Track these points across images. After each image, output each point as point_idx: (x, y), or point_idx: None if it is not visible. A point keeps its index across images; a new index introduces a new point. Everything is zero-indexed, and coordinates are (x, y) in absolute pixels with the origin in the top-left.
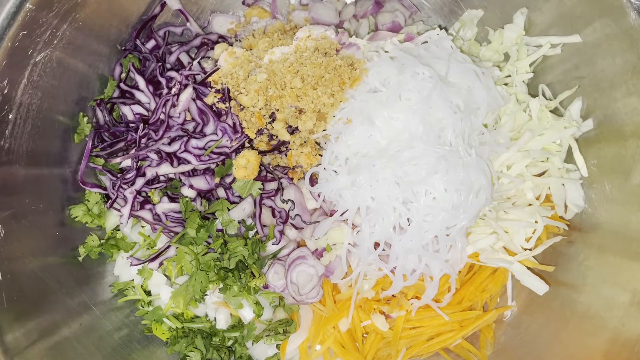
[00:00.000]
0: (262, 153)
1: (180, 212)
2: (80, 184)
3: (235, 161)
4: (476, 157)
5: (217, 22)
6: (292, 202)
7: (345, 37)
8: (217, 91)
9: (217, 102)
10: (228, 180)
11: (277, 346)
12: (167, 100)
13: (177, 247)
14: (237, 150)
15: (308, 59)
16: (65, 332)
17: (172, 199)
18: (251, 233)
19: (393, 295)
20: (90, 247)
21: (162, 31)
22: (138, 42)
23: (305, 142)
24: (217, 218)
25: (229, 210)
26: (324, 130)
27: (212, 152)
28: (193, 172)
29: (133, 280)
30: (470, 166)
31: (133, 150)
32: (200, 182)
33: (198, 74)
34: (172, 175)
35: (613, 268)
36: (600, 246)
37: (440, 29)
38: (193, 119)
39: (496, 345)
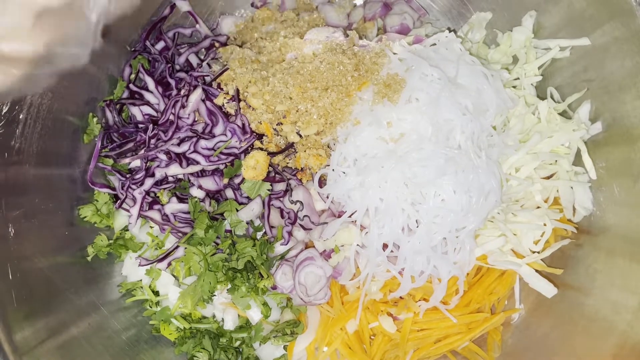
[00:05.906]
0: (271, 154)
1: (188, 212)
2: (90, 184)
3: (244, 162)
4: (486, 159)
5: (226, 24)
6: (301, 203)
7: (356, 39)
8: (227, 92)
9: (227, 103)
10: (237, 181)
11: (285, 347)
12: (177, 101)
13: (185, 248)
14: (246, 151)
15: (319, 62)
16: (73, 332)
17: (181, 200)
18: (259, 234)
19: (401, 297)
20: (98, 247)
21: (171, 32)
22: (147, 43)
23: (313, 143)
24: (225, 219)
25: (237, 210)
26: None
27: (221, 152)
28: (202, 173)
29: (141, 280)
30: (480, 168)
31: (142, 151)
32: (209, 183)
33: (207, 75)
34: (181, 176)
35: (621, 271)
36: (609, 249)
37: (449, 31)
38: (202, 120)
39: (504, 348)
